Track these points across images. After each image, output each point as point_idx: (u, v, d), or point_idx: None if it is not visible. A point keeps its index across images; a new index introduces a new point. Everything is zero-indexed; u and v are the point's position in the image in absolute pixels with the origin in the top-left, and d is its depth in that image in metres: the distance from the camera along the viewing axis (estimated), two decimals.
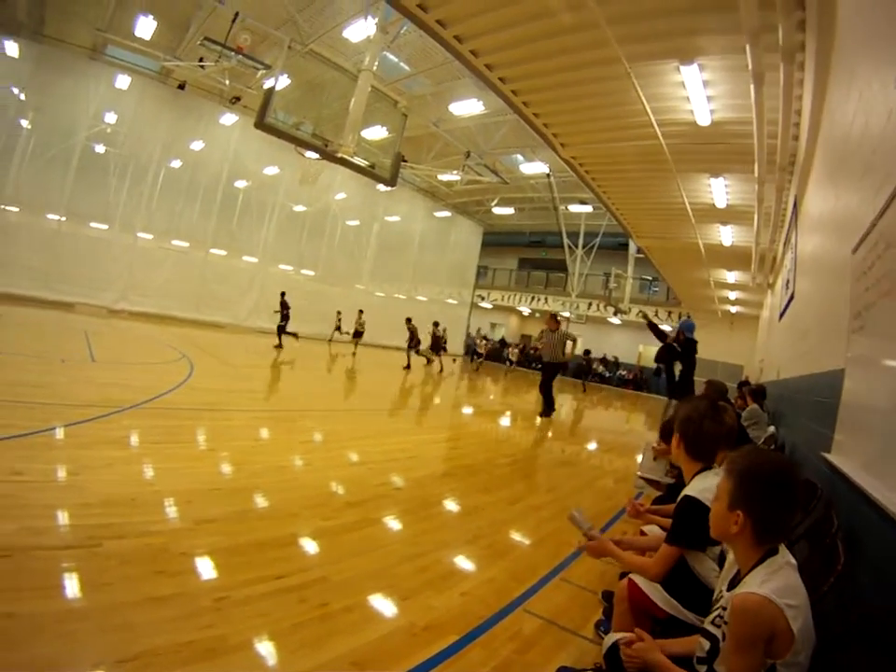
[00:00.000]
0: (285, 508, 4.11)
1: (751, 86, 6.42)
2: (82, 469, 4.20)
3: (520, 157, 22.77)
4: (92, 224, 19.59)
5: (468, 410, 12.25)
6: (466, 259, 34.15)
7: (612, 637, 2.10)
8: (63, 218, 18.76)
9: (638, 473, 4.79)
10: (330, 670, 2.30)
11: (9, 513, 3.22)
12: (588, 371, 27.43)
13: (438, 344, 19.88)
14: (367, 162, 10.89)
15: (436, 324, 20.04)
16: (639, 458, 5.23)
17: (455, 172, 21.97)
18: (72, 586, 2.63)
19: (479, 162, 21.39)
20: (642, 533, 3.16)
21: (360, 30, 13.55)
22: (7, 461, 4.05)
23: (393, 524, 4.16)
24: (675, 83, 7.79)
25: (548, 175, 21.74)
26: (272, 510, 4.08)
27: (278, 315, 17.52)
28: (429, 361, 20.27)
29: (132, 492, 3.90)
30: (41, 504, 3.45)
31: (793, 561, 1.61)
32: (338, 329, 22.32)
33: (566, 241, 27.98)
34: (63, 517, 3.33)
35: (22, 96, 17.80)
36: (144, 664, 2.15)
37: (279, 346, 17.05)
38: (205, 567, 3.01)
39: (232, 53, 15.01)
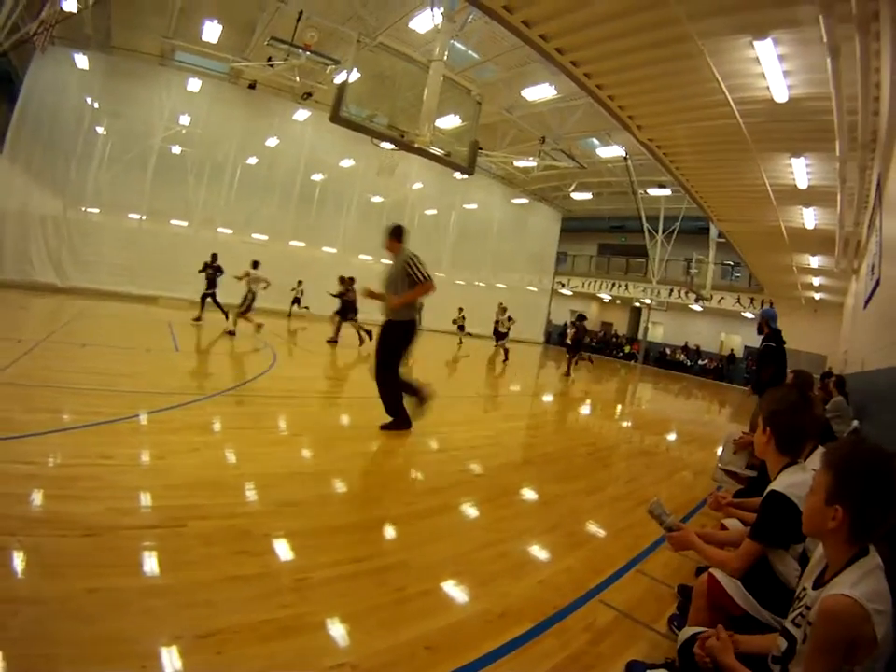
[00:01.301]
0: (367, 492, 4.22)
1: (828, 59, 6.14)
2: (168, 453, 4.40)
3: (596, 141, 22.30)
4: (173, 221, 20.36)
5: (547, 397, 12.03)
6: (545, 245, 33.68)
7: (688, 631, 2.07)
8: (144, 217, 19.60)
9: (719, 465, 4.68)
10: (404, 652, 2.33)
11: (96, 495, 3.40)
12: (578, 345, 17.64)
13: (349, 308, 14.60)
14: (443, 151, 10.91)
15: (350, 280, 14.72)
16: (719, 451, 5.09)
17: (530, 158, 21.76)
18: (155, 564, 2.76)
19: (554, 147, 21.06)
20: (722, 527, 3.09)
21: (426, 20, 13.56)
22: (95, 446, 4.29)
23: (473, 510, 4.18)
24: (749, 59, 7.50)
25: (625, 158, 21.32)
26: (354, 494, 4.19)
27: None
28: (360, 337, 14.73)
29: (216, 475, 4.06)
30: (128, 486, 3.62)
31: (882, 564, 1.55)
32: (296, 301, 20.84)
33: (645, 225, 27.15)
34: (148, 499, 3.49)
35: (96, 105, 18.72)
36: (222, 639, 2.24)
37: (198, 319, 14.01)
38: (287, 549, 3.10)
39: (300, 51, 15.33)
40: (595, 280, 34.86)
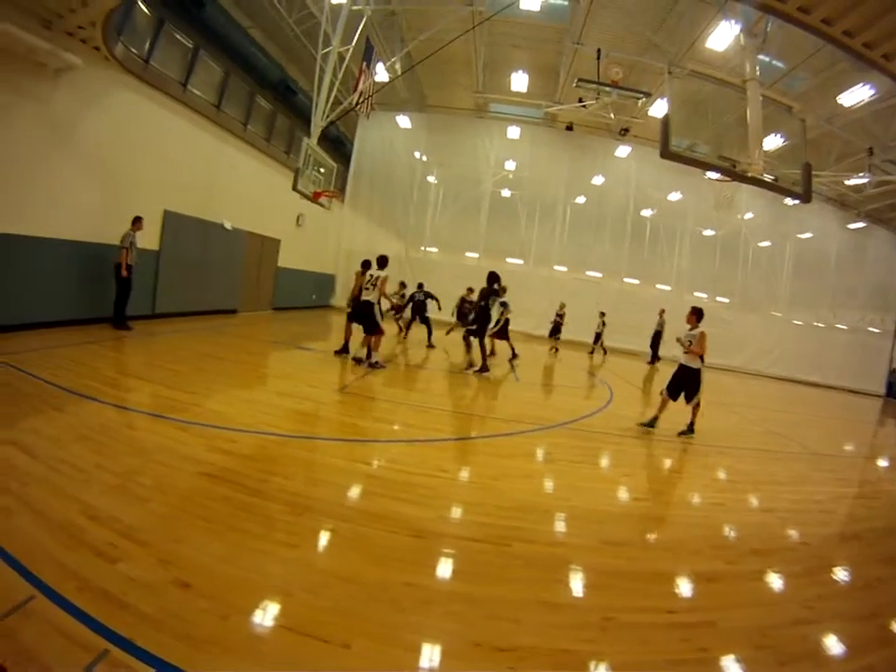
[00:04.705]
0: (690, 544, 3.92)
1: None
2: (502, 475, 4.63)
3: None
4: (509, 259, 21.47)
5: (883, 462, 9.63)
6: (887, 277, 25.28)
7: None
8: (480, 255, 21.05)
9: None
10: None
11: (430, 503, 3.76)
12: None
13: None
14: (772, 177, 9.60)
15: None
16: None
17: (860, 174, 18.23)
18: (472, 575, 2.93)
19: (885, 159, 17.42)
20: None
21: (722, 37, 12.67)
22: (435, 460, 4.75)
23: (792, 581, 3.63)
24: None
25: None
26: (676, 543, 3.93)
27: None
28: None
29: (546, 503, 4.18)
30: (460, 500, 3.93)
31: None
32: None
33: None
34: (479, 514, 3.72)
35: (424, 158, 21.07)
36: (518, 657, 2.29)
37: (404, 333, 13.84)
38: (602, 586, 3.05)
39: (609, 88, 15.14)
40: None
